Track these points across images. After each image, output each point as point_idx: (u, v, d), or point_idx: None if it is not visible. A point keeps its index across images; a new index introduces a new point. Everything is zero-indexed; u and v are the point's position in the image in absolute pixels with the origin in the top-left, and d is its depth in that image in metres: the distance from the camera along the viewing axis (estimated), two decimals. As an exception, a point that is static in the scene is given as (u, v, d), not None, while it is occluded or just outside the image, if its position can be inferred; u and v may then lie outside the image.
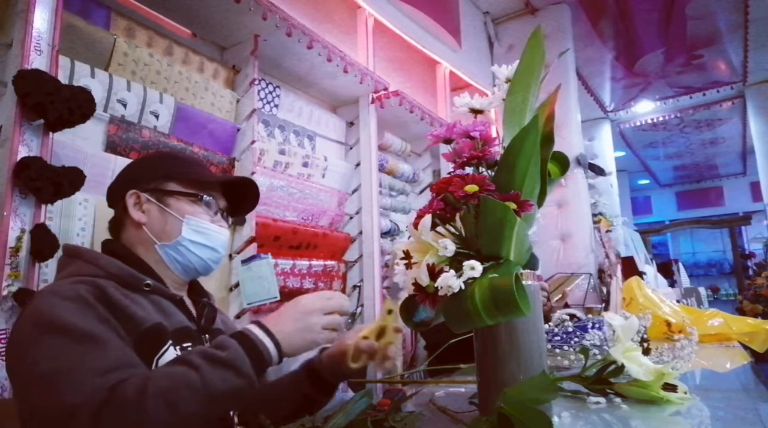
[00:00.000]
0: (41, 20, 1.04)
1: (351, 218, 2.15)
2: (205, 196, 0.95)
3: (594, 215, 3.44)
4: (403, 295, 0.85)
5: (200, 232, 0.92)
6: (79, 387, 0.65)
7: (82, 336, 0.70)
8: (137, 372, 0.70)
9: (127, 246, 0.91)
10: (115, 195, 0.94)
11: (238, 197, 1.02)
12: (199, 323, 0.93)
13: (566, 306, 2.21)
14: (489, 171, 0.84)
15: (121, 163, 1.18)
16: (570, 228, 3.26)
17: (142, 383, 0.66)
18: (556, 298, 2.35)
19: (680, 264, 3.78)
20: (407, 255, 0.78)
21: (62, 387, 0.65)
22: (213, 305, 1.02)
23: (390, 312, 0.91)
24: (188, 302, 0.96)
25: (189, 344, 0.86)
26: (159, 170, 0.94)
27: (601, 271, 3.12)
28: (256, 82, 1.65)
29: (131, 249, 0.91)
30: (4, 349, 0.94)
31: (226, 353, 0.71)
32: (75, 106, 1.02)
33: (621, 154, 7.24)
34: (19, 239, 0.98)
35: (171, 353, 0.80)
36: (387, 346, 0.90)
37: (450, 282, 0.71)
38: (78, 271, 0.81)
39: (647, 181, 10.05)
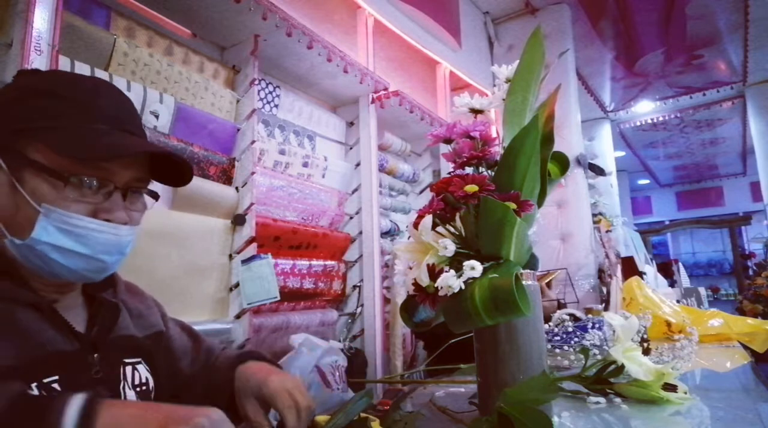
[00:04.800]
0: (41, 20, 1.03)
1: (351, 218, 2.15)
2: (76, 178, 0.59)
3: (594, 215, 3.44)
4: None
5: (69, 232, 0.59)
6: None
7: None
8: None
9: None
10: None
11: (171, 165, 0.68)
12: (88, 334, 0.66)
13: (561, 306, 2.21)
14: (489, 171, 0.84)
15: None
16: (570, 228, 3.25)
17: None
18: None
19: (680, 264, 3.78)
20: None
21: None
22: (116, 302, 0.71)
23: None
24: (78, 303, 0.68)
25: (55, 377, 0.58)
26: (14, 116, 0.60)
27: (601, 271, 3.12)
28: (256, 82, 1.65)
29: None
30: None
31: None
32: (75, 106, 1.01)
33: (621, 154, 7.24)
34: (19, 239, 0.97)
35: None
36: None
37: (450, 282, 0.71)
38: None
39: (647, 181, 10.06)
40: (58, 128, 0.60)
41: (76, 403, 0.47)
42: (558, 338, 1.55)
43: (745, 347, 1.87)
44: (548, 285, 2.34)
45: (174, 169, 0.69)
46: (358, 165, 2.18)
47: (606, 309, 2.10)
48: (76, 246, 0.60)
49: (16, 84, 0.65)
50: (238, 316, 1.48)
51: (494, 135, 0.84)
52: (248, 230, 1.54)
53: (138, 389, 0.71)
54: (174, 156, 0.66)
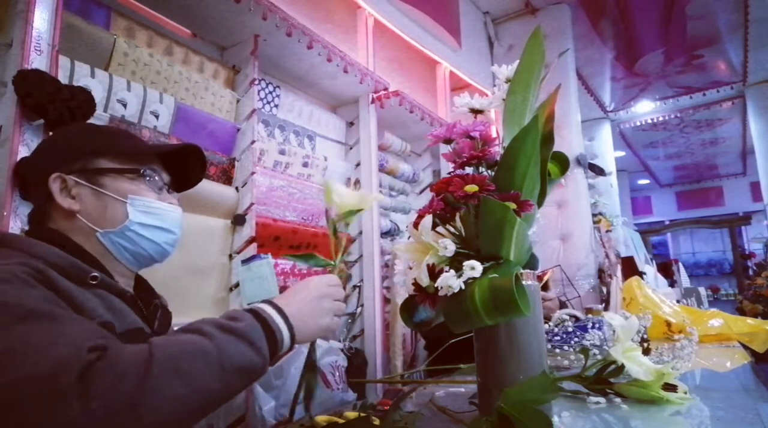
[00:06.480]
0: (41, 20, 1.03)
1: (351, 218, 2.14)
2: (146, 170, 0.81)
3: (594, 215, 3.44)
4: None
5: (150, 213, 0.80)
6: (45, 357, 0.50)
7: (27, 315, 0.54)
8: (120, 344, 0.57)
9: (63, 233, 0.76)
10: (33, 181, 0.80)
11: (181, 169, 0.90)
12: (152, 326, 0.81)
13: (563, 304, 2.21)
14: (489, 171, 0.84)
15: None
16: (570, 228, 3.25)
17: (141, 347, 0.55)
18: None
19: (680, 264, 3.78)
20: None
21: (20, 363, 0.49)
22: (167, 308, 0.90)
23: None
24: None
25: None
26: (84, 146, 0.80)
27: (601, 271, 3.12)
28: (256, 82, 1.65)
29: (69, 237, 0.76)
30: None
31: (241, 324, 0.63)
32: (75, 106, 1.01)
33: (621, 154, 7.25)
34: (19, 239, 0.97)
35: None
36: None
37: (450, 282, 0.71)
38: (5, 261, 0.64)
39: (647, 181, 10.06)
40: (114, 143, 0.82)
41: (266, 306, 0.70)
42: (558, 338, 1.55)
43: (745, 347, 1.87)
44: (545, 287, 2.32)
45: (185, 172, 0.90)
46: (358, 165, 2.18)
47: (606, 309, 2.10)
48: (158, 222, 0.81)
49: (60, 133, 0.89)
50: (238, 316, 1.48)
51: (494, 135, 0.84)
52: (248, 230, 1.54)
53: None
54: (198, 150, 0.89)
